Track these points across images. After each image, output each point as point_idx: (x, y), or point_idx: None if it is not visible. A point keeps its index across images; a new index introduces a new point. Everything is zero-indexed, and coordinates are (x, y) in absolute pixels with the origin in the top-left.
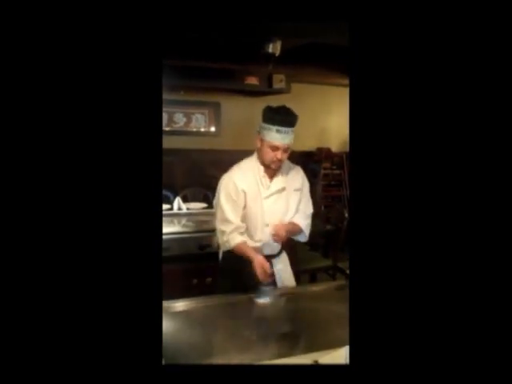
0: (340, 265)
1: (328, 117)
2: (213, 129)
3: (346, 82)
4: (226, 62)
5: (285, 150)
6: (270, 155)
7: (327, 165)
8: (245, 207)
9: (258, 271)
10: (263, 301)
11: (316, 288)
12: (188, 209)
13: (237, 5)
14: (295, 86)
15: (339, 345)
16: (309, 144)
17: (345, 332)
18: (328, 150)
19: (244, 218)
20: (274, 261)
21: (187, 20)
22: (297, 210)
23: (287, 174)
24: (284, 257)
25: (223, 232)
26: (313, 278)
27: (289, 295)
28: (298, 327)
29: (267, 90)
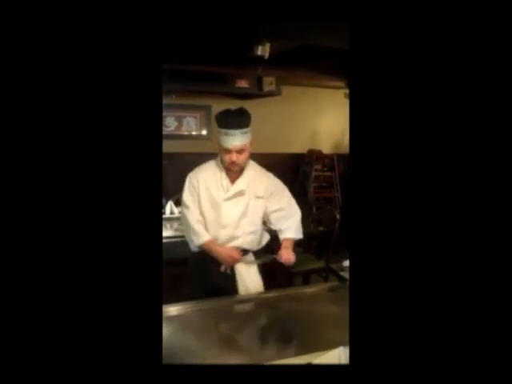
0: (333, 266)
1: (319, 119)
2: (204, 132)
3: (337, 84)
4: (216, 65)
5: (239, 152)
6: (225, 158)
7: (318, 167)
8: (201, 207)
9: (228, 260)
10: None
11: (309, 289)
12: (180, 213)
13: (228, 6)
14: (286, 89)
15: (333, 346)
16: (300, 146)
17: (338, 333)
18: (319, 152)
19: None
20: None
21: (176, 24)
22: (270, 220)
23: (251, 179)
24: (250, 260)
25: (196, 231)
26: (306, 280)
27: (282, 297)
28: (291, 329)
29: (258, 92)
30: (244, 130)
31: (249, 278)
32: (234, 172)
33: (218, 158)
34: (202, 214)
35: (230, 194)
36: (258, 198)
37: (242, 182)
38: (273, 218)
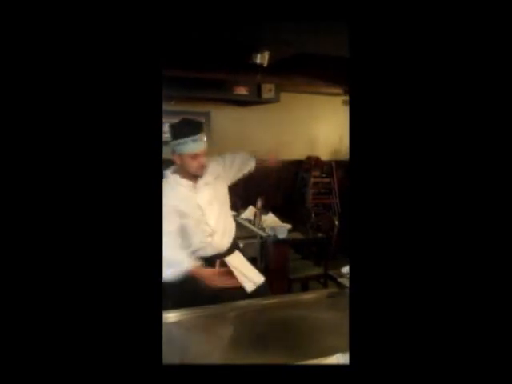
0: (331, 273)
1: (317, 126)
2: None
3: (335, 91)
4: (215, 72)
5: (205, 155)
6: (194, 165)
7: (317, 173)
8: (181, 219)
9: (210, 278)
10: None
11: (308, 296)
12: None
13: (228, 10)
14: (284, 96)
15: (331, 352)
16: (298, 152)
17: (336, 339)
18: (317, 159)
19: (180, 231)
20: (228, 260)
21: (176, 30)
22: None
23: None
24: (238, 255)
25: (176, 259)
26: (304, 286)
27: (280, 303)
28: (289, 335)
29: (257, 99)
30: (203, 134)
31: (246, 270)
32: (195, 179)
33: (171, 175)
34: (184, 224)
35: (200, 195)
36: (216, 178)
37: (203, 179)
38: (235, 170)
